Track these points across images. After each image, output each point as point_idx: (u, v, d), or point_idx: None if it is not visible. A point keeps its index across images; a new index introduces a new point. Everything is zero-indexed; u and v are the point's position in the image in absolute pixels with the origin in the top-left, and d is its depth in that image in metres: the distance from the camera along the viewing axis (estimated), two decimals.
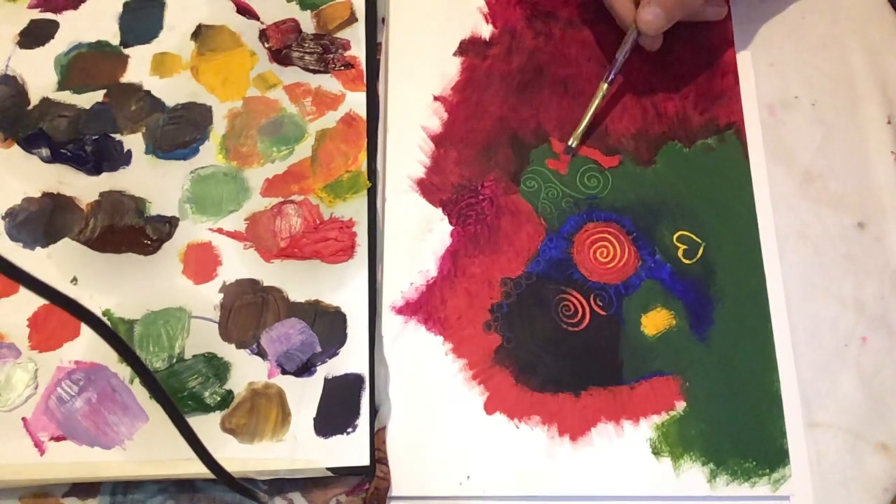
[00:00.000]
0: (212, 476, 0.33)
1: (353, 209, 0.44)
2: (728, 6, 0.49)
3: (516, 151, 0.46)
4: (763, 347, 0.42)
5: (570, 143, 0.45)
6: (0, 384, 0.40)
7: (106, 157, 0.45)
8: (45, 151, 0.45)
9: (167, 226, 0.44)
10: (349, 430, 0.39)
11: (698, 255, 0.43)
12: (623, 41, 0.45)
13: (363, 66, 0.47)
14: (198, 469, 0.33)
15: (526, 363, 0.41)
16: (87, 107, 0.46)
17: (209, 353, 0.41)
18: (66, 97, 0.47)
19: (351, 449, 0.39)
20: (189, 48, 0.48)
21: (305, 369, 0.40)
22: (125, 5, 0.49)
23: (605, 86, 0.45)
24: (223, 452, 0.38)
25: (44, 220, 0.44)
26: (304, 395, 0.40)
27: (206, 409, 0.40)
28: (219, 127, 0.46)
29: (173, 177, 0.45)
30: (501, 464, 0.40)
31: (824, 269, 0.44)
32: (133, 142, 0.45)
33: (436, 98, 0.47)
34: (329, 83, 0.47)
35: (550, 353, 0.42)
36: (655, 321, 0.42)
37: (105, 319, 0.41)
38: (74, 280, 0.42)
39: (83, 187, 0.44)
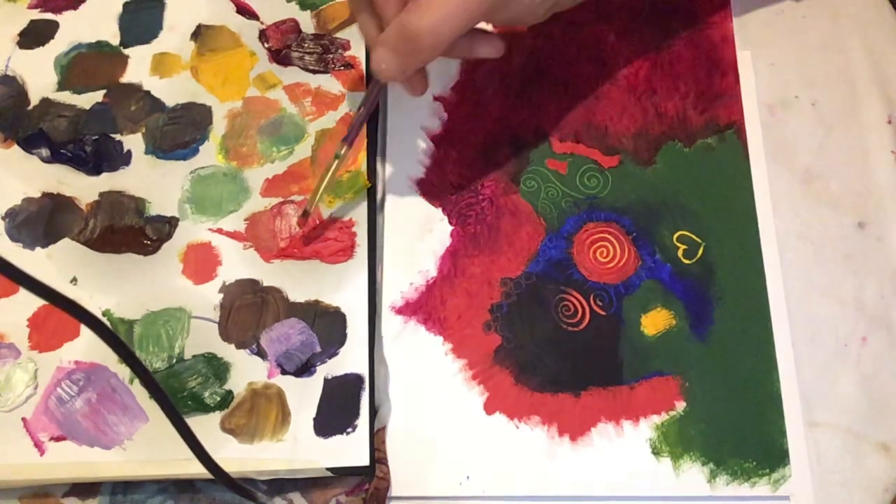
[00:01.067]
0: (212, 476, 0.33)
1: (353, 209, 0.44)
2: (728, 4, 0.49)
3: (516, 151, 0.46)
4: (763, 347, 0.41)
5: (305, 208, 0.41)
6: (0, 384, 0.40)
7: (106, 158, 0.45)
8: (45, 151, 0.45)
9: (167, 226, 0.44)
10: (349, 430, 0.39)
11: (698, 255, 0.43)
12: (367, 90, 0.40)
13: (363, 66, 0.47)
14: (198, 469, 0.33)
15: (526, 363, 0.41)
16: (87, 107, 0.46)
17: (209, 353, 0.41)
18: (66, 97, 0.47)
19: (351, 449, 0.39)
20: (189, 48, 0.48)
21: (305, 369, 0.40)
22: (125, 5, 0.49)
23: (344, 148, 0.40)
24: (223, 452, 0.38)
25: (44, 220, 0.44)
26: (304, 395, 0.40)
27: (206, 409, 0.40)
28: (219, 127, 0.46)
29: (173, 177, 0.45)
30: (501, 464, 0.40)
31: (824, 269, 0.44)
32: (133, 142, 0.46)
33: (436, 98, 0.47)
34: (329, 83, 0.47)
35: (550, 353, 0.42)
36: (655, 321, 0.42)
37: (105, 320, 0.41)
38: (74, 280, 0.42)
39: (83, 187, 0.44)
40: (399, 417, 0.41)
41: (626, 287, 0.43)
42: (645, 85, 0.47)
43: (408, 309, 0.43)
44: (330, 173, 0.40)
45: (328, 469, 0.39)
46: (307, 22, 0.49)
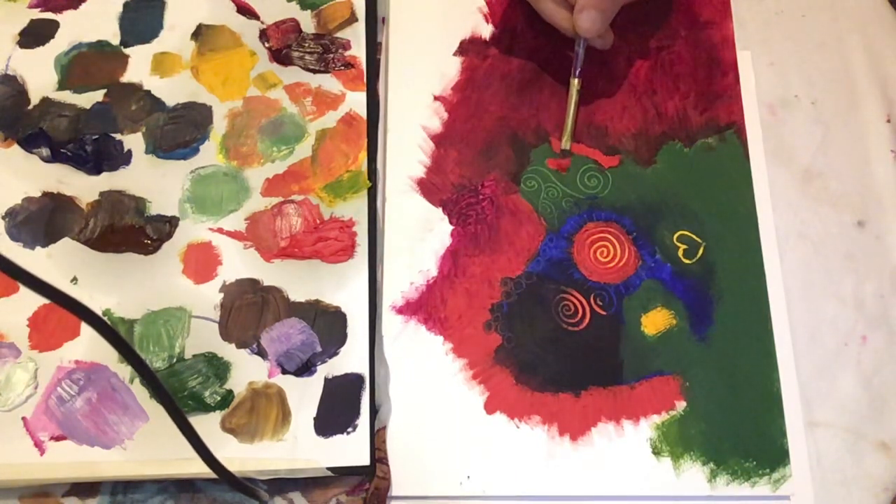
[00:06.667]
0: (212, 475, 0.33)
1: (354, 209, 0.44)
2: (728, 4, 0.49)
3: (516, 151, 0.46)
4: (763, 347, 0.42)
5: (563, 146, 0.45)
6: (0, 384, 0.40)
7: (106, 157, 0.45)
8: (45, 151, 0.45)
9: (167, 225, 0.44)
10: (349, 429, 0.39)
11: (698, 255, 0.43)
12: (575, 42, 0.45)
13: (363, 66, 0.47)
14: (198, 469, 0.33)
15: (526, 363, 0.41)
16: (88, 107, 0.46)
17: (209, 352, 0.41)
18: (66, 97, 0.47)
19: (351, 449, 0.39)
20: (189, 48, 0.48)
21: (305, 369, 0.40)
22: (125, 5, 0.49)
23: (576, 81, 0.45)
24: (223, 452, 0.38)
25: (44, 219, 0.44)
26: (305, 395, 0.40)
27: (207, 408, 0.40)
28: (219, 127, 0.46)
29: (173, 176, 0.45)
30: (501, 464, 0.40)
31: (824, 269, 0.44)
32: (133, 142, 0.45)
33: (436, 98, 0.47)
34: (329, 83, 0.47)
35: (550, 353, 0.42)
36: (655, 321, 0.42)
37: (105, 319, 0.41)
38: (74, 280, 0.42)
39: (83, 187, 0.44)
40: (399, 417, 0.41)
41: (626, 287, 0.43)
42: (645, 85, 0.47)
43: (408, 308, 0.43)
44: (573, 107, 0.45)
45: (328, 469, 0.39)
46: (307, 22, 0.49)
